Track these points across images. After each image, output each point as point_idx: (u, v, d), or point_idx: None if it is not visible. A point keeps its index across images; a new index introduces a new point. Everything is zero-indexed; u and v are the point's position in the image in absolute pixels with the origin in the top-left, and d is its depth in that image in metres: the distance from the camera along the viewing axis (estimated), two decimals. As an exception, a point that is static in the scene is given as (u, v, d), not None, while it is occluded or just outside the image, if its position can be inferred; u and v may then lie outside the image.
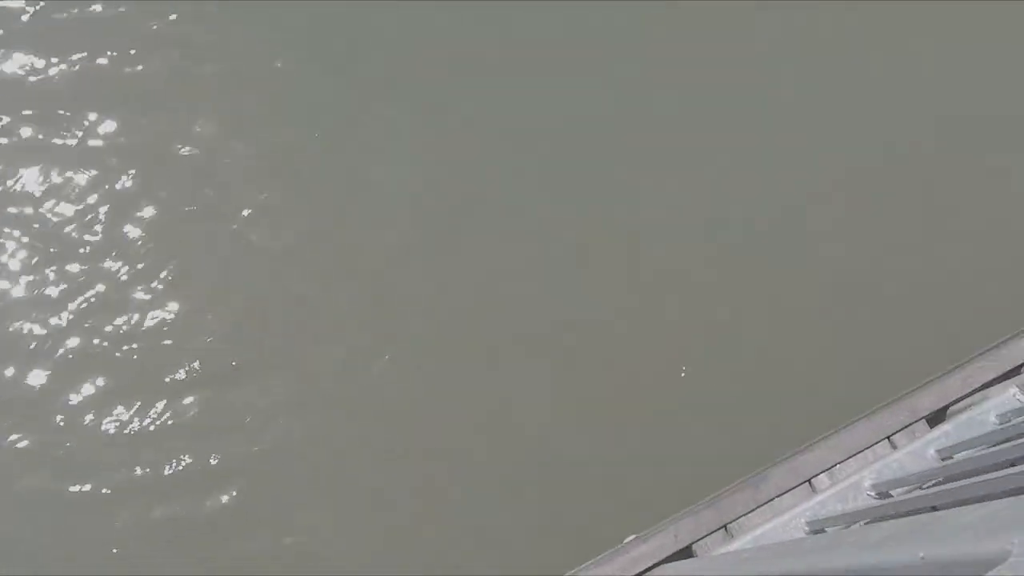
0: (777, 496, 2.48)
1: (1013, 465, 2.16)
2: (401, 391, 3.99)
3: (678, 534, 2.47)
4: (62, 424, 3.73)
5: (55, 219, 4.06)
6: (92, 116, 4.24)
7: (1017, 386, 2.23)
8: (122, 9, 4.42)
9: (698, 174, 4.60)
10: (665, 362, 4.15)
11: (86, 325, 3.90)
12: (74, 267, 3.99)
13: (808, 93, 4.80)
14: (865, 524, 1.93)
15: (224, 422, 3.83)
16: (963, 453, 2.04)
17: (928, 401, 2.68)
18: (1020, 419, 2.04)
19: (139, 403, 3.81)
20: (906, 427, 2.59)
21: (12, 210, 4.05)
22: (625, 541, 2.72)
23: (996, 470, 1.71)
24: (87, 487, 3.62)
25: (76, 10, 4.37)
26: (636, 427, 3.97)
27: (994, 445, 2.00)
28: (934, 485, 2.08)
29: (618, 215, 4.45)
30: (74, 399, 3.78)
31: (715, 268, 4.41)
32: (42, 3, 4.33)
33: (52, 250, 4.01)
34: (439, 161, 4.43)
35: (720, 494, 2.54)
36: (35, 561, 3.50)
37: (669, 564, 2.39)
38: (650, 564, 2.48)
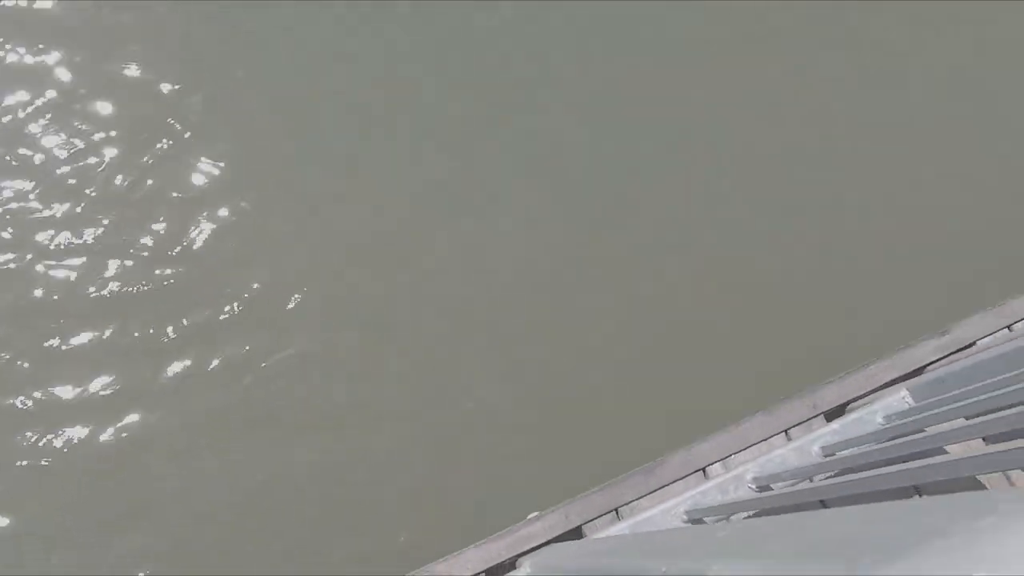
0: (670, 483, 2.48)
1: (889, 464, 2.19)
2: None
3: (569, 515, 2.47)
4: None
5: None
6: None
7: (908, 388, 2.25)
8: None
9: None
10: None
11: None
12: None
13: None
14: (702, 524, 1.94)
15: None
16: (844, 452, 2.05)
17: (830, 397, 2.70)
18: (902, 421, 2.05)
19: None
20: (804, 421, 2.61)
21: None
22: (528, 517, 2.72)
23: (866, 469, 1.71)
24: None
25: None
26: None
27: (874, 445, 2.01)
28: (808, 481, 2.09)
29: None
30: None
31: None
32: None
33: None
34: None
35: (616, 480, 2.53)
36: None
37: (526, 555, 2.39)
38: (540, 542, 2.48)
